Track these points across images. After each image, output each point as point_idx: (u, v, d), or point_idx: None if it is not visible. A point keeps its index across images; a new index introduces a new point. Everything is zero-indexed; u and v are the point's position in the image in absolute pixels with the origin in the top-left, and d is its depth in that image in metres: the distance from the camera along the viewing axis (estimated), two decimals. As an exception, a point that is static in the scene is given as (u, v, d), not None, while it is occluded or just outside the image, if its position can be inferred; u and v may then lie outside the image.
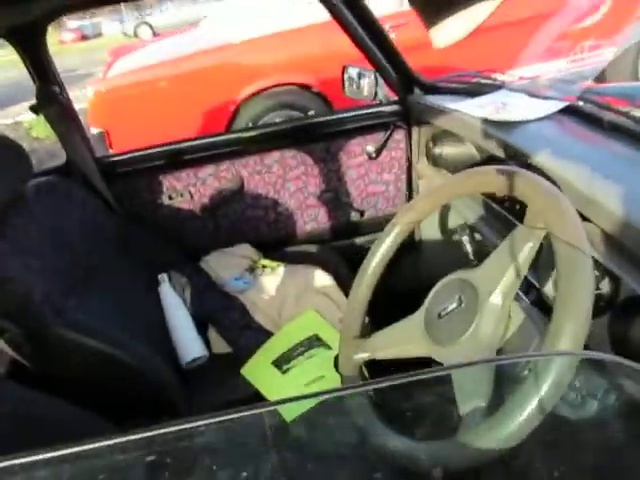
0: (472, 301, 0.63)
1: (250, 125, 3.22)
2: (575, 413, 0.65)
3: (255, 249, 1.58)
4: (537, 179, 0.60)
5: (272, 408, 0.43)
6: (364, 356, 0.75)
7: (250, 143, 1.52)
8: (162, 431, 0.38)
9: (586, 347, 0.78)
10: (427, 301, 0.71)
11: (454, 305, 0.65)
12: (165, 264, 1.48)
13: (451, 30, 0.33)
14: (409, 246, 1.74)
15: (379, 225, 1.68)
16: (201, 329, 1.37)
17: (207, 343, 1.35)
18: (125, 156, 1.54)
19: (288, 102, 3.23)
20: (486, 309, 0.61)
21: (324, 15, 1.43)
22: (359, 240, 1.70)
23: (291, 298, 1.33)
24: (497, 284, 0.61)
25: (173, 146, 1.52)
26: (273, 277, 1.41)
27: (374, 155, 1.56)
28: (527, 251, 0.59)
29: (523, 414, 0.48)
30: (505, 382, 0.55)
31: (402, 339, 0.71)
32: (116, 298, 1.28)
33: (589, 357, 0.48)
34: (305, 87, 3.23)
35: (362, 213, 1.68)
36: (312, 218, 1.66)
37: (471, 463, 0.52)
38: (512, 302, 0.65)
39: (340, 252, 1.59)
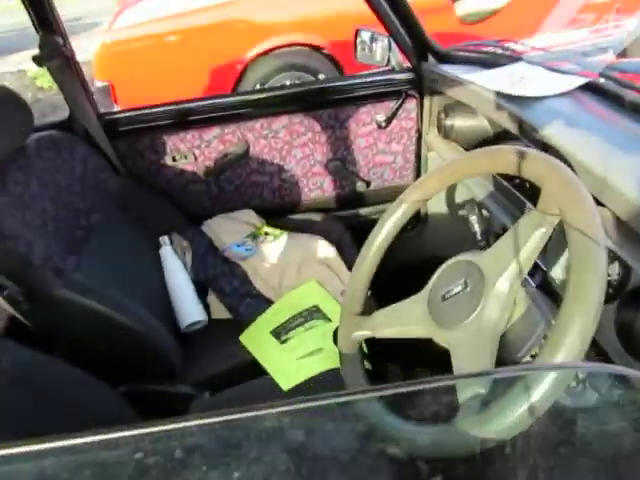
0: (478, 285, 0.61)
1: (258, 86, 3.14)
2: (574, 401, 0.64)
3: (258, 215, 1.56)
4: (553, 162, 0.57)
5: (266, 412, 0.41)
6: (364, 334, 0.74)
7: (257, 106, 1.48)
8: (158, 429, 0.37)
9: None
10: (432, 282, 0.69)
11: (459, 288, 0.63)
12: (167, 226, 1.46)
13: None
14: (415, 221, 1.72)
15: (385, 196, 1.65)
16: (201, 294, 1.37)
17: (207, 308, 1.35)
18: (129, 113, 1.50)
19: (298, 63, 3.14)
20: (492, 294, 0.59)
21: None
22: (364, 211, 1.68)
23: (293, 267, 1.32)
24: (505, 270, 0.59)
25: (178, 106, 1.48)
26: (275, 245, 1.39)
27: (384, 124, 1.52)
28: (538, 237, 0.57)
29: (522, 408, 0.47)
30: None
31: (404, 319, 0.70)
32: (116, 259, 1.27)
33: (592, 370, 0.47)
34: (317, 49, 3.14)
35: (368, 184, 1.65)
36: (317, 186, 1.63)
37: (465, 452, 0.51)
38: (519, 288, 0.63)
39: (344, 222, 1.57)
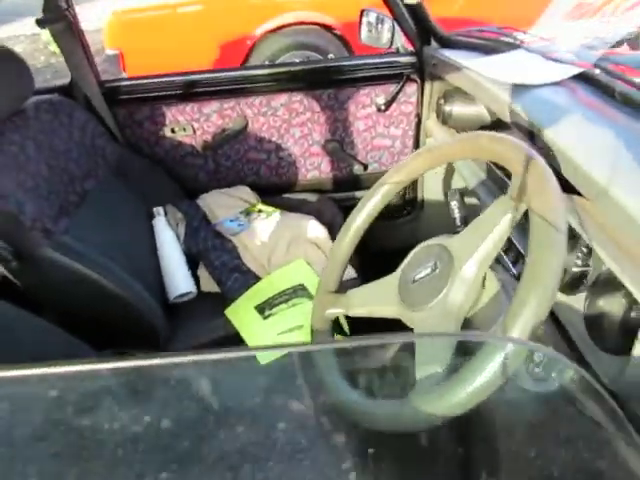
0: (446, 268, 0.62)
1: (266, 63, 3.13)
2: (536, 386, 0.65)
3: (254, 192, 1.57)
4: (524, 149, 0.58)
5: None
6: (337, 311, 0.75)
7: (257, 82, 1.48)
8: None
9: (559, 322, 0.78)
10: (404, 264, 0.70)
11: (428, 270, 0.64)
12: (162, 198, 1.47)
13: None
14: (411, 205, 1.72)
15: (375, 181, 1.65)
16: (192, 266, 1.38)
17: (197, 281, 1.37)
18: (130, 82, 1.50)
19: (308, 42, 3.11)
20: (458, 277, 0.60)
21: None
22: (359, 194, 1.68)
23: (282, 245, 1.33)
24: (472, 253, 0.60)
25: (180, 77, 1.48)
26: (267, 222, 1.40)
27: (383, 108, 1.51)
28: (506, 223, 0.58)
29: (474, 385, 0.48)
30: (464, 351, 0.55)
31: (375, 299, 0.71)
32: (108, 226, 1.28)
33: (531, 349, 0.47)
34: (327, 28, 3.11)
35: (365, 167, 1.65)
36: (314, 167, 1.63)
37: (417, 427, 0.53)
38: (488, 272, 0.64)
39: (338, 204, 1.58)
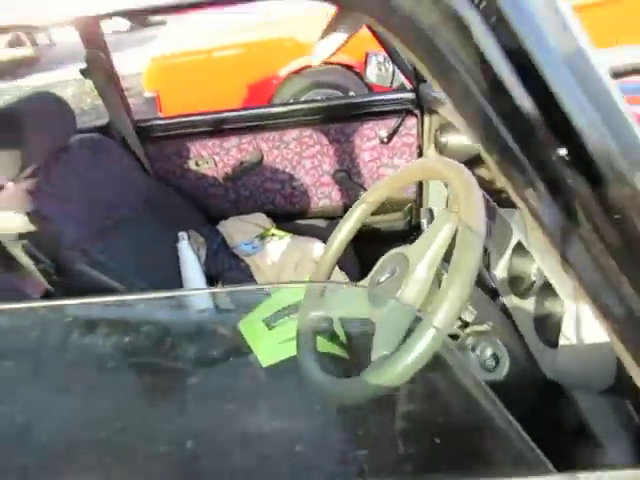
0: (403, 271, 0.74)
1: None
2: (488, 376, 0.76)
3: (269, 219, 1.72)
4: (458, 169, 0.70)
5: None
6: (319, 313, 0.87)
7: (271, 119, 1.65)
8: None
9: (514, 323, 0.88)
10: (372, 270, 0.82)
11: (388, 274, 0.76)
12: (186, 224, 1.64)
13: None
14: (417, 230, 1.83)
15: (387, 208, 1.77)
16: (211, 285, 1.53)
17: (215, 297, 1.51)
18: (160, 121, 1.70)
19: (329, 81, 3.32)
20: (411, 279, 0.72)
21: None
22: (367, 220, 1.80)
23: (291, 265, 1.46)
24: (422, 258, 0.71)
25: (202, 117, 1.67)
26: (279, 245, 1.54)
27: (386, 140, 1.65)
28: (446, 231, 0.69)
29: (406, 361, 0.59)
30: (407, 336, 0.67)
31: (349, 301, 0.83)
32: (137, 248, 1.45)
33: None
34: (347, 67, 3.31)
35: None
36: (325, 195, 1.78)
37: (364, 398, 0.64)
38: (443, 274, 0.75)
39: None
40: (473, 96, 0.39)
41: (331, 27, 0.43)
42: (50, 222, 1.18)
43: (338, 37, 0.43)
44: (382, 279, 0.78)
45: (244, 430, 0.77)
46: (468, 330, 0.76)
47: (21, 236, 1.14)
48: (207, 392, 1.00)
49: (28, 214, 1.14)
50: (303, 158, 1.70)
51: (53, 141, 1.32)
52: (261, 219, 1.71)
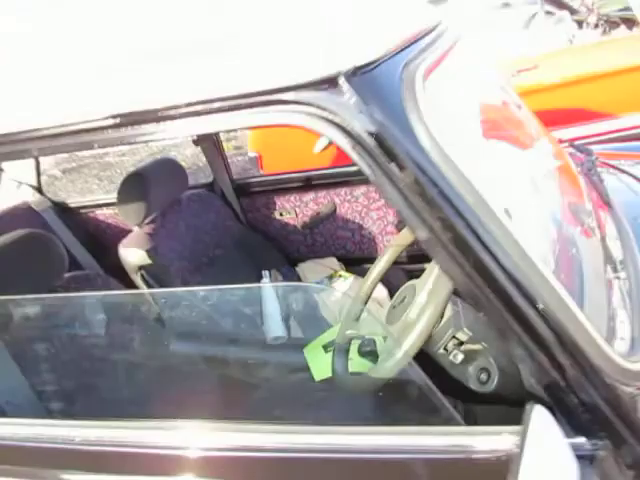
0: (410, 299, 0.94)
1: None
2: (481, 388, 0.93)
3: (340, 262, 1.97)
4: None
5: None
6: (353, 332, 1.09)
7: (342, 177, 1.93)
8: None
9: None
10: (393, 298, 1.03)
11: (400, 301, 0.97)
12: (269, 264, 1.94)
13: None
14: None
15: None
16: (287, 320, 1.80)
17: (289, 328, 1.78)
18: (253, 179, 2.06)
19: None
20: (415, 305, 0.92)
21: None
22: (427, 265, 1.99)
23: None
24: (423, 287, 0.92)
25: (287, 175, 2.00)
26: (343, 284, 1.78)
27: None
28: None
29: (394, 360, 0.80)
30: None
31: (370, 323, 1.04)
32: (229, 282, 1.77)
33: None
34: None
35: None
36: (390, 242, 2.00)
37: (373, 387, 0.85)
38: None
39: (409, 274, 1.90)
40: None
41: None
42: (161, 257, 1.53)
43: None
44: (396, 305, 0.99)
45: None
46: (463, 348, 0.94)
47: (140, 267, 1.49)
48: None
49: (147, 251, 1.50)
50: (370, 210, 1.95)
51: (169, 196, 1.71)
52: (333, 262, 1.97)
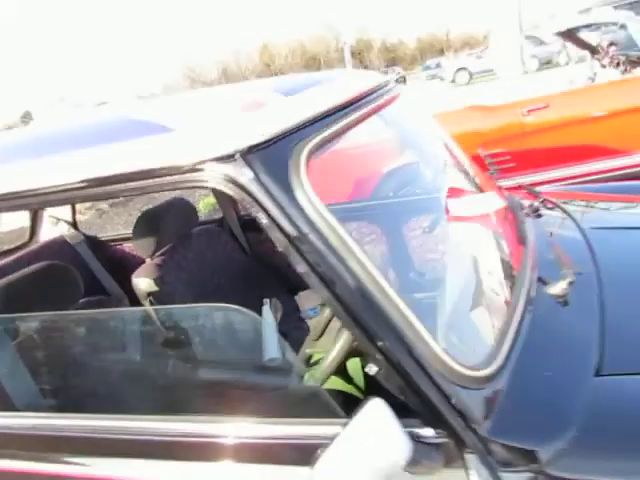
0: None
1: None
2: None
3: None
4: None
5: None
6: (310, 350, 1.27)
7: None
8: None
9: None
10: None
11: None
12: (270, 292, 2.14)
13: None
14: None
15: None
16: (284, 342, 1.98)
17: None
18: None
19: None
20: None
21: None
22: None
23: (335, 326, 1.86)
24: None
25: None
26: (333, 311, 1.96)
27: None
28: None
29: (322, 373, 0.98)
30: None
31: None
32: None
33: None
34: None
35: None
36: None
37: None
38: None
39: None
40: None
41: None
42: (167, 285, 1.75)
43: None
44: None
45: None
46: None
47: (148, 294, 1.72)
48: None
49: (154, 279, 1.73)
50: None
51: (179, 231, 1.95)
52: (328, 291, 2.15)
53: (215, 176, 0.86)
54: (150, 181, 0.90)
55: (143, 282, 1.73)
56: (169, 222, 1.86)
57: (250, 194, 0.85)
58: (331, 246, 0.82)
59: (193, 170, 0.87)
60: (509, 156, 3.63)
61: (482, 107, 3.79)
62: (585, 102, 3.73)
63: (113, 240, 2.43)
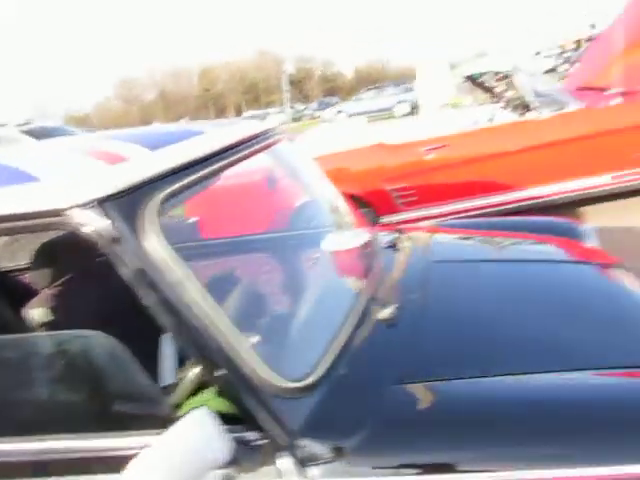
0: None
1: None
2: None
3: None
4: None
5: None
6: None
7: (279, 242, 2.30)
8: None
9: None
10: None
11: None
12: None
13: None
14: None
15: None
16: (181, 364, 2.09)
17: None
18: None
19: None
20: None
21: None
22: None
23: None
24: None
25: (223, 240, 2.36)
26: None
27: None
28: None
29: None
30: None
31: None
32: (128, 337, 2.07)
33: None
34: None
35: None
36: None
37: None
38: None
39: None
40: None
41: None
42: (61, 315, 1.83)
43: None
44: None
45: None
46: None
47: (42, 325, 1.80)
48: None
49: (49, 309, 1.81)
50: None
51: (79, 261, 2.03)
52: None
53: (75, 221, 0.99)
54: (19, 223, 1.02)
55: (37, 312, 1.81)
56: (68, 253, 1.95)
57: (104, 238, 0.99)
58: (169, 282, 0.98)
59: (56, 215, 1.00)
60: (413, 190, 3.96)
61: (387, 145, 4.11)
62: (479, 143, 4.14)
63: (13, 271, 2.46)
